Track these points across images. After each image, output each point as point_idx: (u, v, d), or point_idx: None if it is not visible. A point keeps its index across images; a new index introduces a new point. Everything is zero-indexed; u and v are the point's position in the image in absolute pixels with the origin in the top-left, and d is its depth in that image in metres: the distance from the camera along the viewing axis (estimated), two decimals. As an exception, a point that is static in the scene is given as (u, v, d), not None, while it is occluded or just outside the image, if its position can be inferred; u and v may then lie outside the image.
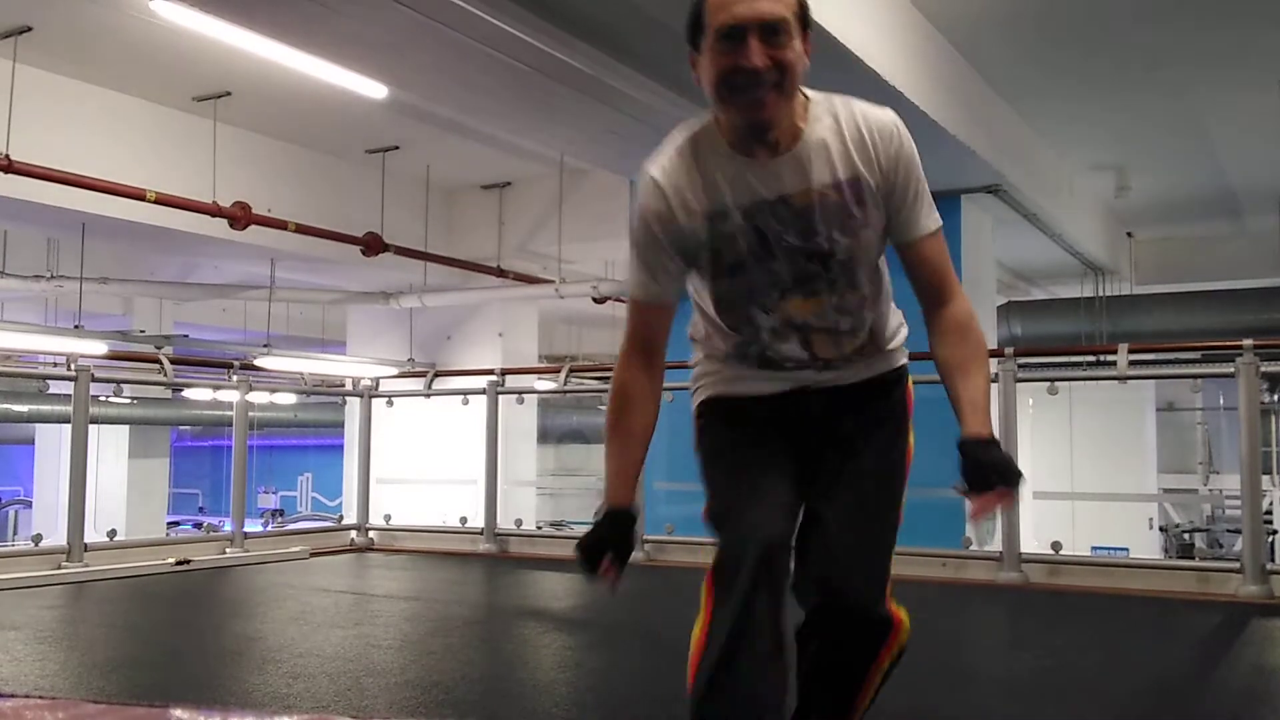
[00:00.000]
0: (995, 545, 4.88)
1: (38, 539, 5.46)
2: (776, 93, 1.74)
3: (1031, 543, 4.98)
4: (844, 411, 1.99)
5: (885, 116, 1.86)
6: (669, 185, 1.84)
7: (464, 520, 6.25)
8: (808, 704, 1.98)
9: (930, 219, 1.90)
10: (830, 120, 1.83)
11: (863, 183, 1.82)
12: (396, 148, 9.12)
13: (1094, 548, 10.09)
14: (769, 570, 1.80)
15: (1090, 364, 8.96)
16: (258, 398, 9.63)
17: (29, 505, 17.39)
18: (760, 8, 1.71)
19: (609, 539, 1.93)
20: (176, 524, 17.91)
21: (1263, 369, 4.52)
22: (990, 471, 1.77)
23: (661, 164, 1.87)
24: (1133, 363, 4.99)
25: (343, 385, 8.41)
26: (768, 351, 1.95)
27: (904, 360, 2.09)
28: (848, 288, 1.89)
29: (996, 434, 1.88)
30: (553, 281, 9.53)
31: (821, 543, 1.90)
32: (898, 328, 2.06)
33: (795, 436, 1.97)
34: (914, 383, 2.11)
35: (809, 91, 1.84)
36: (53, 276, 9.66)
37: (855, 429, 1.98)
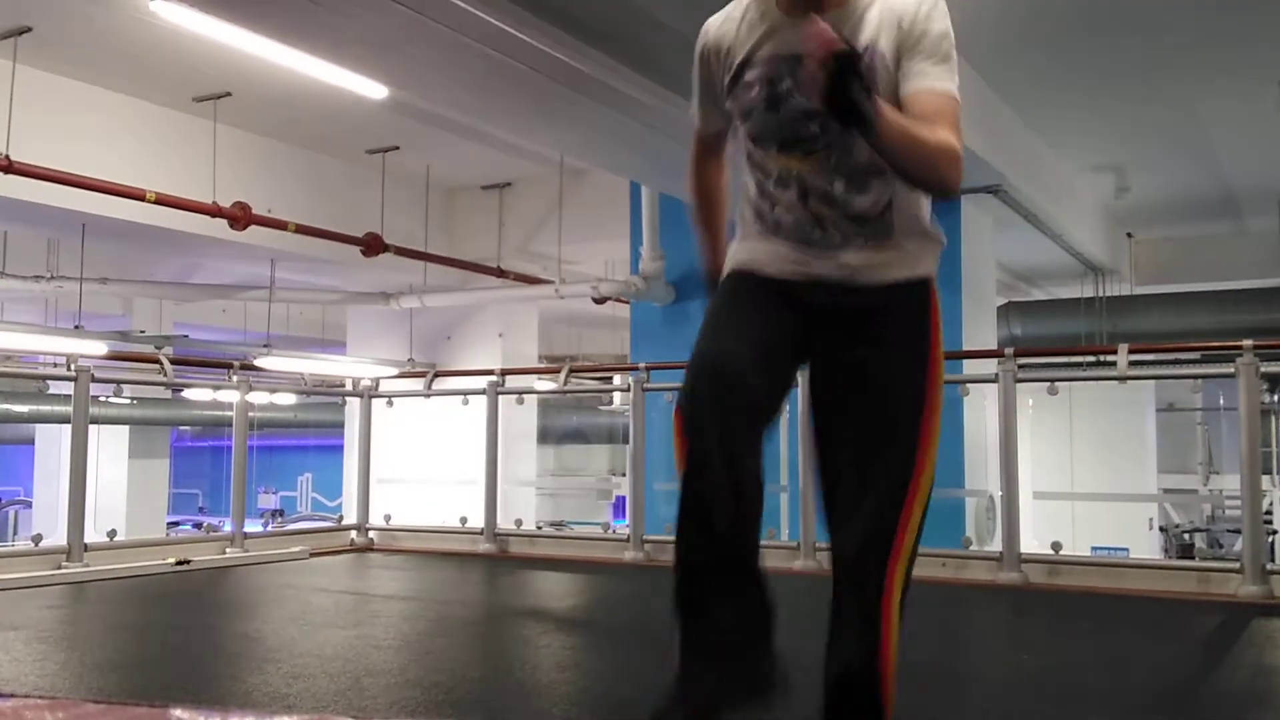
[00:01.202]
0: (995, 545, 4.87)
1: (38, 539, 5.45)
2: None
3: (1031, 543, 4.98)
4: (856, 330, 1.95)
5: None
6: (713, 32, 2.05)
7: (464, 520, 6.25)
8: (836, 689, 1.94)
9: (939, 78, 1.86)
10: None
11: (879, 50, 1.87)
12: (396, 148, 9.12)
13: (1094, 548, 10.08)
14: (722, 388, 1.83)
15: (1090, 364, 8.95)
16: (258, 398, 9.64)
17: (29, 505, 17.39)
18: None
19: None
20: (176, 524, 17.91)
21: (1263, 369, 4.52)
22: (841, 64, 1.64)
23: (718, 16, 2.06)
24: (1133, 363, 4.99)
25: (343, 385, 8.41)
26: (776, 207, 2.00)
27: (929, 269, 2.02)
28: (845, 152, 1.91)
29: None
30: (553, 282, 9.54)
31: (833, 502, 1.95)
32: (923, 221, 2.00)
33: (801, 322, 1.97)
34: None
35: None
36: (53, 277, 9.67)
37: (867, 356, 1.94)
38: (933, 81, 1.86)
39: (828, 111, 1.67)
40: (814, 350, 2.00)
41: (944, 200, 1.94)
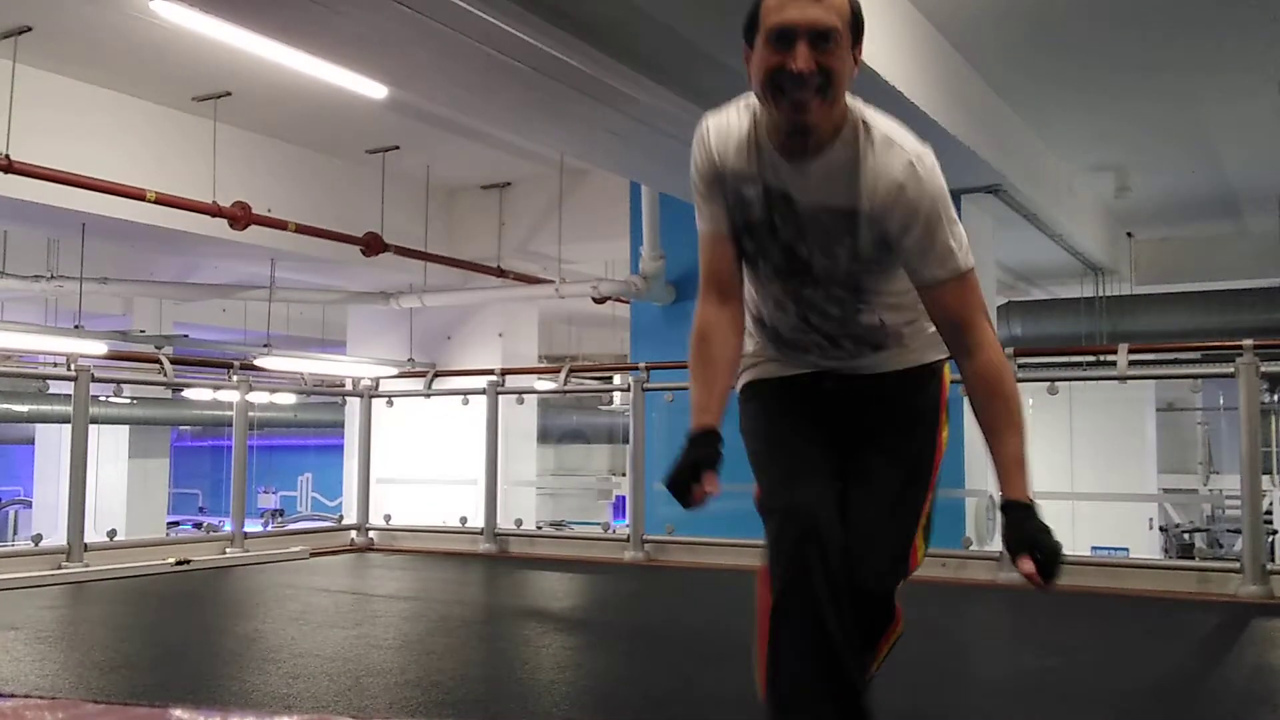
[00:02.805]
0: (995, 545, 4.87)
1: (38, 539, 5.46)
2: (820, 98, 1.79)
3: (1031, 543, 4.97)
4: (869, 402, 2.08)
5: (902, 156, 1.84)
6: (714, 135, 1.96)
7: (464, 520, 6.25)
8: None
9: (942, 266, 1.87)
10: (852, 147, 1.86)
11: (860, 218, 1.87)
12: (396, 148, 9.12)
13: (1094, 548, 10.10)
14: (816, 543, 1.86)
15: (1090, 364, 8.94)
16: (258, 398, 9.63)
17: (29, 505, 17.38)
18: (812, 15, 1.76)
19: (701, 457, 1.85)
20: (176, 524, 17.90)
21: (1263, 369, 4.52)
22: (1029, 546, 1.83)
23: (717, 116, 1.98)
24: (1133, 363, 4.99)
25: (343, 385, 8.41)
26: (779, 320, 2.06)
27: (938, 356, 2.10)
28: (830, 287, 1.97)
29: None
30: (553, 281, 9.53)
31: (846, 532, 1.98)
32: (926, 331, 2.06)
33: (825, 414, 2.06)
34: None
35: (850, 102, 1.87)
36: (53, 276, 9.67)
37: (879, 423, 2.06)
38: (935, 270, 1.88)
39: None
40: (841, 418, 2.08)
41: None
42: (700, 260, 2.04)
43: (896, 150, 1.85)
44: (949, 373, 2.13)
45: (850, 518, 1.95)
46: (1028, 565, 1.81)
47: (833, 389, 2.09)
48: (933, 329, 2.02)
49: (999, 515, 1.90)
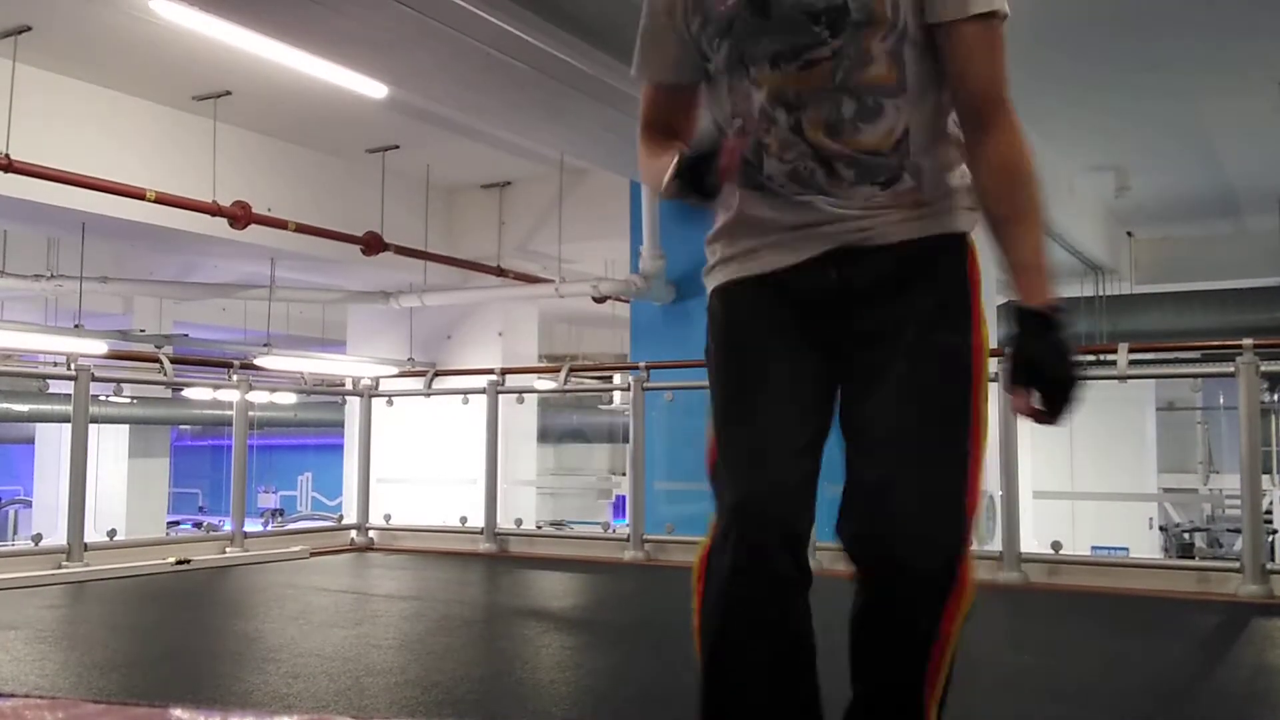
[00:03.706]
0: (995, 545, 4.87)
1: (38, 539, 5.46)
2: None
3: (1031, 542, 4.98)
4: (880, 298, 1.60)
5: None
6: None
7: (464, 520, 6.25)
8: (867, 691, 1.62)
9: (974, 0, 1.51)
10: None
11: None
12: (396, 147, 9.12)
13: (1094, 547, 10.08)
14: (770, 562, 1.55)
15: (1090, 364, 8.94)
16: (257, 397, 9.63)
17: (29, 505, 17.38)
18: None
19: (696, 179, 1.55)
20: (176, 524, 17.90)
21: (1263, 369, 4.52)
22: (1042, 364, 1.49)
23: None
24: (1133, 362, 4.99)
25: (343, 385, 8.41)
26: (763, 154, 1.61)
27: (964, 223, 1.66)
28: (857, 61, 1.53)
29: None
30: (553, 281, 9.53)
31: (860, 490, 1.56)
32: (948, 164, 1.64)
33: (820, 336, 1.64)
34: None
35: None
36: (53, 276, 9.67)
37: (895, 324, 1.59)
38: (970, 5, 1.52)
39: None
40: (836, 354, 1.64)
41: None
42: (640, 111, 1.76)
43: None
44: (977, 255, 1.70)
45: (866, 481, 1.55)
46: (1025, 401, 1.50)
47: (836, 281, 1.61)
48: (957, 167, 1.64)
49: (1013, 328, 1.51)
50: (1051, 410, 1.50)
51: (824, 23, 1.52)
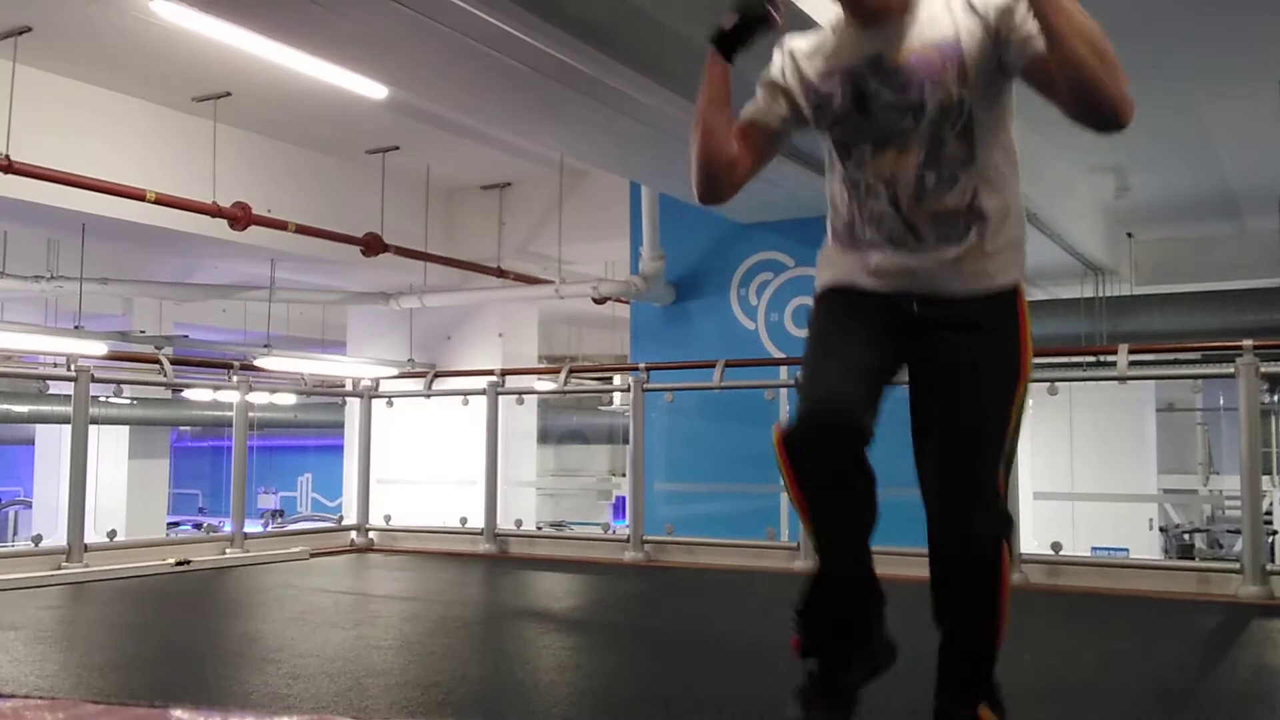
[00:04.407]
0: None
1: (38, 539, 5.45)
2: None
3: (1031, 543, 4.98)
4: (950, 331, 2.06)
5: None
6: (792, 50, 2.16)
7: (464, 521, 6.25)
8: (950, 638, 2.14)
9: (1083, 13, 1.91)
10: None
11: (963, 41, 1.98)
12: (396, 148, 9.13)
13: (1094, 548, 10.09)
14: (830, 439, 1.97)
15: (1090, 364, 8.94)
16: (257, 398, 9.64)
17: (29, 505, 17.38)
18: None
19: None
20: (176, 524, 17.91)
21: (1263, 369, 4.52)
22: None
23: (797, 36, 2.18)
24: (1133, 363, 4.98)
25: (343, 385, 8.41)
26: (868, 220, 2.08)
27: (1015, 276, 2.10)
28: (937, 144, 2.01)
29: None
30: (553, 281, 9.54)
31: (933, 481, 2.08)
32: (1013, 228, 2.08)
33: (897, 331, 2.08)
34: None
35: None
36: (53, 276, 9.67)
37: (963, 354, 2.05)
38: (1037, 44, 1.92)
39: None
40: (910, 356, 2.12)
41: (1108, 131, 1.93)
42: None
43: None
44: (1025, 295, 2.14)
45: (940, 469, 2.06)
46: None
47: (914, 312, 2.08)
48: (1016, 220, 2.09)
49: None
50: None
51: (910, 117, 2.01)
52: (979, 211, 2.04)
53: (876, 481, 2.04)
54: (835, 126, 2.09)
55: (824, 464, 1.99)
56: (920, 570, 2.20)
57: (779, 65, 2.15)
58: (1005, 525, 2.09)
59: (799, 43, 2.15)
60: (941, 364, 2.07)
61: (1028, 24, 1.91)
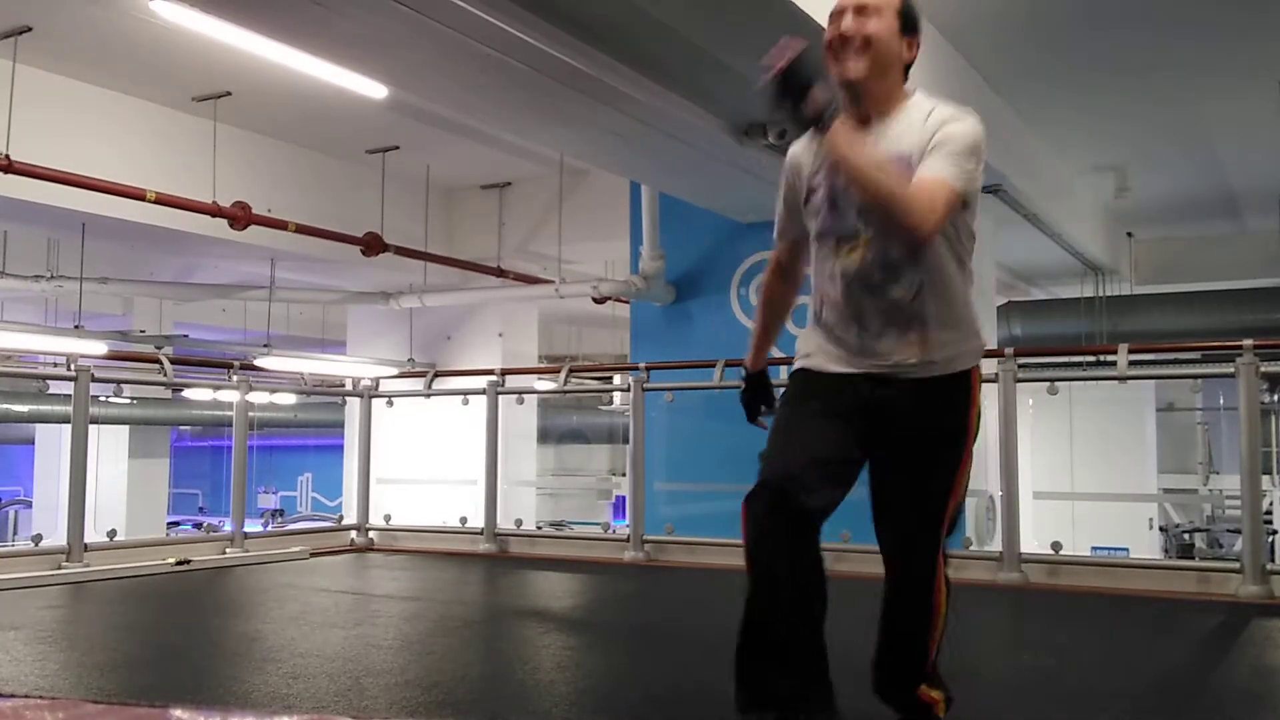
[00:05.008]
0: (995, 545, 4.87)
1: (38, 539, 5.46)
2: (859, 57, 2.18)
3: (1031, 543, 4.98)
4: (903, 413, 2.23)
5: (959, 111, 2.21)
6: (793, 153, 2.37)
7: (464, 520, 6.25)
8: (888, 639, 2.36)
9: (940, 169, 2.11)
10: (921, 113, 2.20)
11: (914, 160, 2.14)
12: (396, 148, 9.12)
13: (1094, 548, 10.09)
14: (784, 510, 2.12)
15: (1090, 364, 8.95)
16: (258, 398, 9.63)
17: (29, 505, 17.38)
18: None
19: (757, 398, 2.56)
20: (176, 524, 17.90)
21: (1263, 369, 4.52)
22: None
23: (799, 143, 2.36)
24: (1133, 363, 4.99)
25: (343, 385, 8.41)
26: (826, 304, 2.29)
27: (968, 361, 2.29)
28: (882, 245, 2.18)
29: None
30: (553, 281, 9.53)
31: (885, 539, 2.33)
32: (956, 309, 2.25)
33: (857, 410, 2.24)
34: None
35: (920, 92, 2.26)
36: (53, 276, 9.66)
37: (915, 433, 2.24)
38: (935, 169, 2.12)
39: (779, 102, 2.07)
40: (869, 440, 2.27)
41: (908, 245, 2.17)
42: (771, 257, 2.57)
43: (959, 110, 2.21)
44: (979, 375, 2.33)
45: (889, 526, 2.31)
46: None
47: (869, 391, 2.24)
48: (969, 319, 2.29)
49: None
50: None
51: (861, 217, 2.20)
52: (921, 313, 2.21)
53: (824, 570, 2.18)
54: (813, 218, 2.30)
55: (774, 541, 2.14)
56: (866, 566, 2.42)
57: (786, 169, 2.38)
58: (938, 565, 2.32)
59: (800, 149, 2.35)
60: (892, 454, 2.27)
61: (931, 153, 2.14)
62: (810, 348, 2.36)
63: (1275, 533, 11.78)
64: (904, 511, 2.30)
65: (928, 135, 2.15)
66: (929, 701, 2.34)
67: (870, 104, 2.21)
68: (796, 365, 2.39)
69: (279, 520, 18.97)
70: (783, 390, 2.43)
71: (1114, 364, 4.97)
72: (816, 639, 2.17)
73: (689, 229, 8.36)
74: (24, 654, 3.27)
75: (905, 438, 2.26)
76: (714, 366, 5.57)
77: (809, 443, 2.22)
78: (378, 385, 7.12)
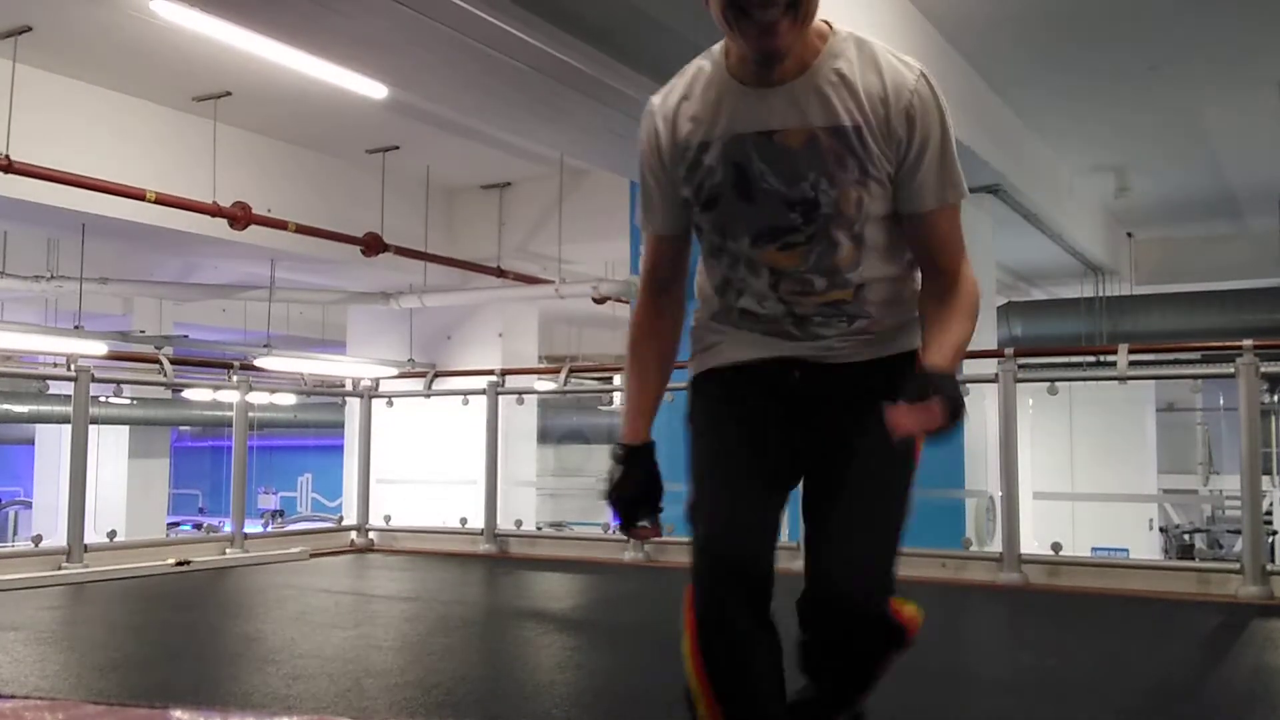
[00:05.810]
0: (995, 546, 4.87)
1: (38, 539, 5.45)
2: (790, 18, 1.56)
3: (1031, 543, 4.98)
4: (840, 401, 1.79)
5: (906, 71, 1.66)
6: (660, 113, 1.75)
7: (464, 521, 6.25)
8: (811, 694, 1.86)
9: (948, 190, 1.69)
10: (846, 60, 1.65)
11: (866, 134, 1.64)
12: (396, 148, 9.12)
13: (1094, 548, 10.09)
14: (737, 583, 1.72)
15: (1090, 364, 8.96)
16: (257, 398, 9.63)
17: (29, 505, 17.38)
18: None
19: (639, 488, 1.84)
20: (176, 524, 17.90)
21: (1263, 369, 4.52)
22: (931, 388, 1.56)
23: (662, 92, 1.78)
24: (1133, 363, 4.99)
25: (343, 385, 8.41)
26: (743, 296, 1.79)
27: (910, 343, 1.83)
28: (828, 246, 1.70)
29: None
30: (553, 281, 9.53)
31: (820, 550, 1.79)
32: (902, 294, 1.82)
33: (786, 416, 1.80)
34: None
35: (831, 23, 1.68)
36: (53, 276, 9.66)
37: (852, 427, 1.75)
38: (942, 192, 1.69)
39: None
40: (799, 442, 1.82)
41: None
42: (643, 257, 1.90)
43: (900, 64, 1.66)
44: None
45: (827, 536, 1.77)
46: (920, 414, 1.54)
47: (799, 382, 1.80)
48: (909, 305, 1.83)
49: (918, 377, 1.61)
50: (951, 418, 1.58)
51: (799, 211, 1.68)
52: (866, 300, 1.77)
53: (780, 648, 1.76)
54: (707, 210, 1.74)
55: (743, 651, 1.71)
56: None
57: (649, 141, 1.77)
58: (886, 618, 1.77)
59: (665, 105, 1.76)
60: (828, 455, 1.78)
61: (923, 174, 1.67)
62: (714, 337, 1.86)
63: (1275, 533, 11.78)
64: (848, 528, 1.76)
65: (874, 103, 1.64)
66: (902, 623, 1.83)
67: (794, 62, 1.63)
68: (700, 368, 1.89)
69: (279, 521, 18.97)
70: (687, 403, 1.90)
71: (1114, 364, 4.96)
72: None
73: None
74: (24, 655, 3.27)
75: (849, 419, 1.76)
76: (714, 367, 5.56)
77: (747, 487, 1.77)
78: (378, 385, 7.12)
